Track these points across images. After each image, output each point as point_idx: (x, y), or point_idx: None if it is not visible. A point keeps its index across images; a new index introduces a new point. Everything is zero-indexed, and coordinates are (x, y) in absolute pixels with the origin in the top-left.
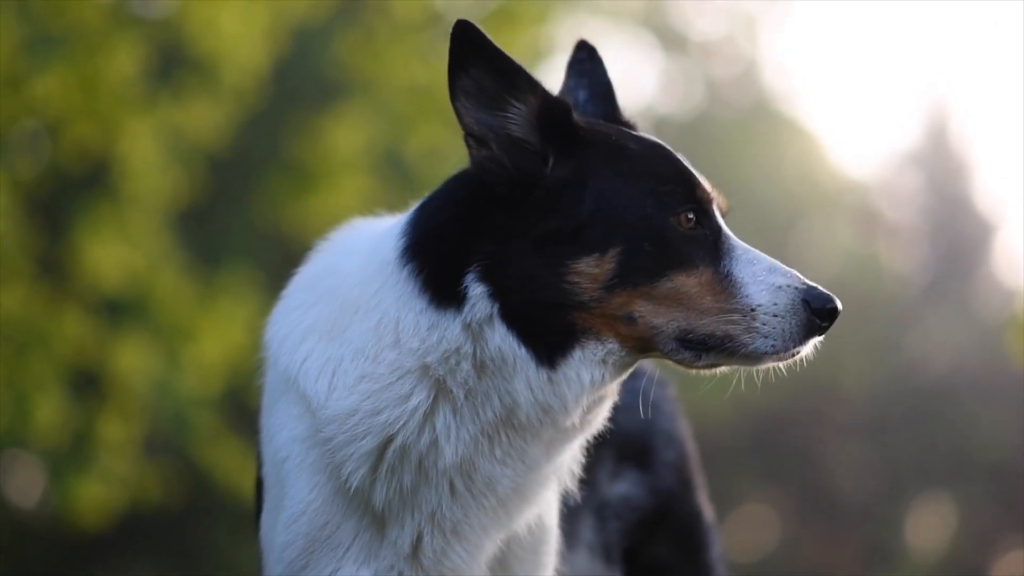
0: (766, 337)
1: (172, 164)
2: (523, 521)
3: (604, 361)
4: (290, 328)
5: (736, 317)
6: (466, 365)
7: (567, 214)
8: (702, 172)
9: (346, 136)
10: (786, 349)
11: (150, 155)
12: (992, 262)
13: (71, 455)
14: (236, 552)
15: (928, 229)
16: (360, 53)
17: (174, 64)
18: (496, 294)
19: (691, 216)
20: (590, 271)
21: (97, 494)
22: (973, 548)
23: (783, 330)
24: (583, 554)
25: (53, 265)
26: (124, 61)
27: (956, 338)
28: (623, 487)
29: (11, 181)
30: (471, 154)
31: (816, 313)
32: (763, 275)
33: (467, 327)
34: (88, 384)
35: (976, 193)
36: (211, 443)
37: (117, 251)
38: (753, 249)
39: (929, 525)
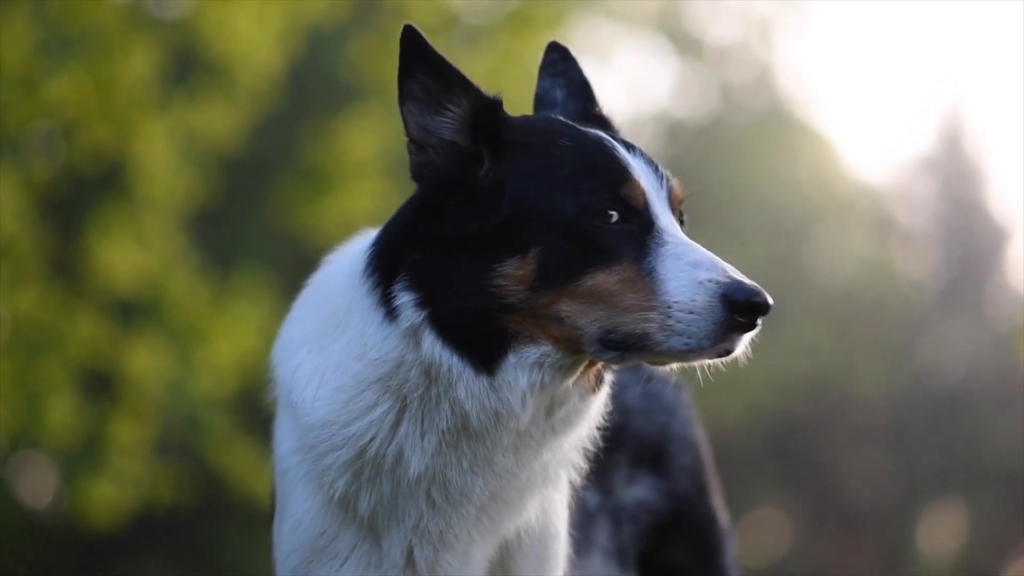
0: (680, 335)
1: (186, 166)
2: (513, 527)
3: (540, 364)
4: (289, 338)
5: (653, 315)
6: (415, 374)
7: (489, 216)
8: (714, 176)
9: (361, 139)
10: (702, 348)
11: (164, 157)
12: (1006, 268)
13: (84, 456)
14: (249, 553)
15: (942, 235)
16: (375, 56)
17: (189, 66)
18: (424, 302)
19: (613, 212)
20: (515, 273)
21: (109, 495)
22: (986, 554)
23: (699, 327)
24: (597, 558)
25: (67, 266)
26: (139, 63)
27: (970, 344)
28: (638, 491)
29: (26, 182)
30: (410, 160)
31: (734, 308)
32: (685, 270)
33: (406, 337)
34: (101, 385)
35: (990, 199)
36: (224, 445)
37: (131, 253)
38: (688, 243)
39: (942, 531)
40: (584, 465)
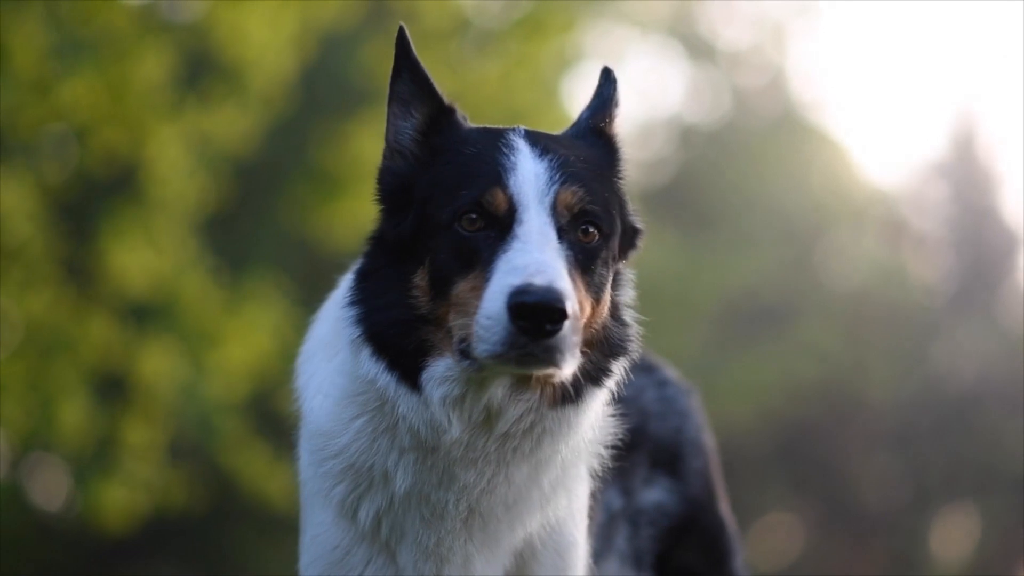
0: (483, 342)
1: (199, 169)
2: (517, 539)
3: (447, 378)
4: (308, 346)
5: (472, 321)
6: (378, 391)
7: (405, 225)
8: (727, 180)
9: (372, 143)
10: (499, 354)
11: (177, 160)
12: (1018, 273)
13: (96, 459)
14: (260, 556)
15: (954, 240)
16: (387, 60)
17: (201, 70)
18: (362, 317)
19: (474, 217)
20: (421, 283)
21: (122, 498)
22: (998, 558)
23: (494, 333)
24: (614, 562)
25: (79, 270)
26: (152, 67)
27: (982, 348)
28: (656, 494)
29: (38, 185)
30: (380, 164)
31: (512, 313)
32: (502, 276)
33: (355, 353)
34: (113, 388)
35: (1003, 204)
36: (236, 448)
37: (143, 256)
38: (527, 248)
39: (954, 535)
40: (602, 469)
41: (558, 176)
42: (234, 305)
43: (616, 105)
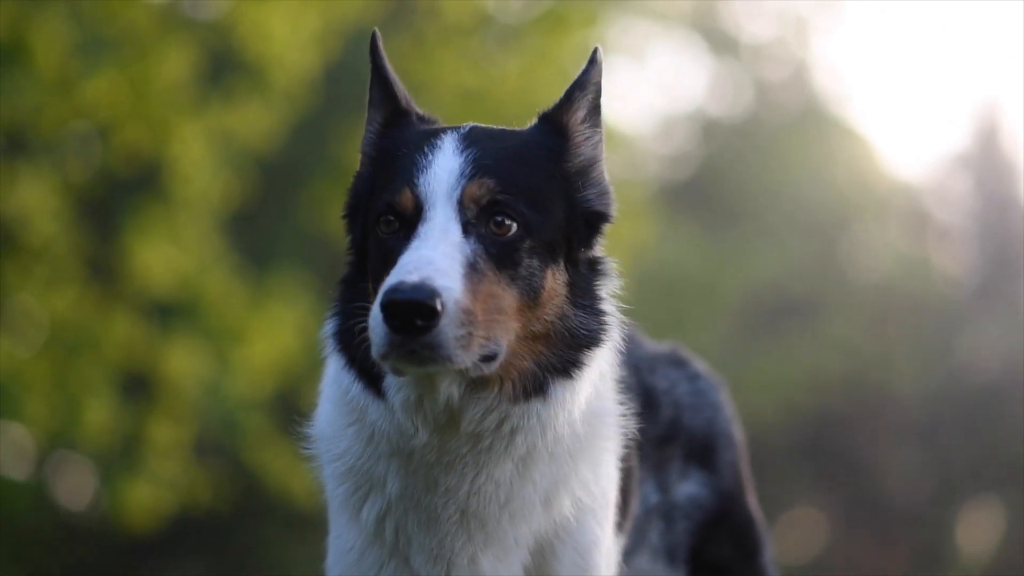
0: (372, 345)
1: (222, 167)
2: (525, 541)
3: (402, 383)
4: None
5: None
6: (351, 398)
7: (355, 233)
8: (750, 174)
9: None
10: (383, 355)
11: (200, 158)
12: None
13: (121, 457)
14: (286, 554)
15: (978, 232)
16: (410, 57)
17: (224, 67)
18: (336, 328)
19: (391, 219)
20: (370, 287)
21: (147, 496)
22: None
23: (376, 334)
24: (646, 556)
25: (104, 268)
26: (174, 64)
27: (1006, 341)
28: (690, 487)
29: (62, 184)
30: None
31: (383, 311)
32: (390, 277)
33: (336, 363)
34: (138, 387)
35: None
36: (261, 446)
37: (167, 254)
38: (418, 246)
39: (980, 528)
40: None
41: (469, 170)
42: (258, 302)
43: (582, 88)
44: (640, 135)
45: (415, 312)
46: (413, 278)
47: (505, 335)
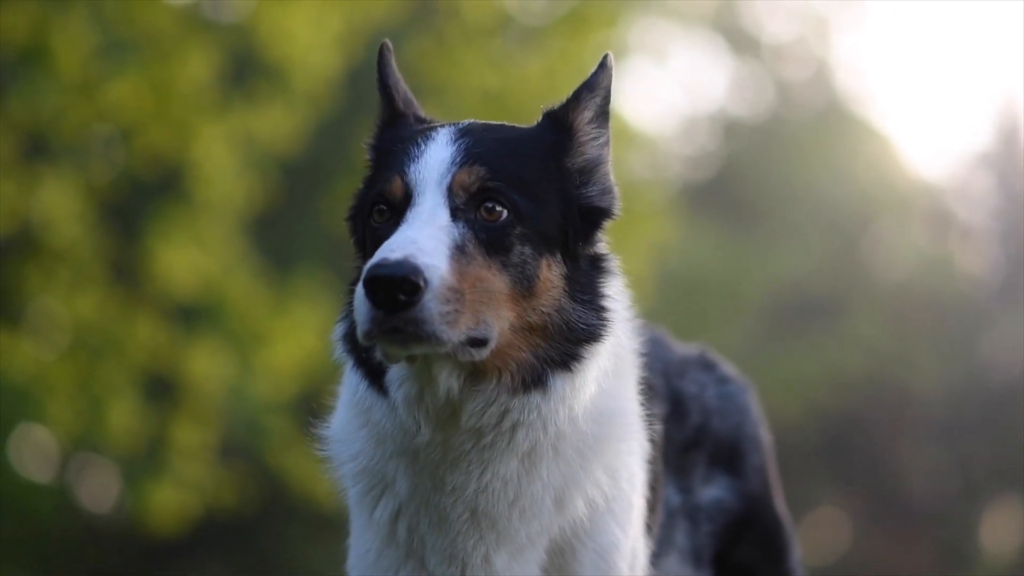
0: (358, 322)
1: (245, 169)
2: (538, 540)
3: (402, 378)
4: (340, 346)
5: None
6: (359, 399)
7: (357, 232)
8: (772, 173)
9: None
10: (369, 333)
11: (223, 160)
12: None
13: (145, 460)
14: (309, 555)
15: (1000, 231)
16: (432, 58)
17: (247, 69)
18: (346, 331)
19: (383, 208)
20: None
21: (171, 498)
22: None
23: (361, 314)
24: (674, 558)
25: (127, 271)
26: (197, 67)
27: None
28: (714, 491)
29: (85, 186)
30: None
31: (365, 287)
32: (373, 258)
33: (346, 366)
34: (162, 389)
35: None
36: (284, 448)
37: (190, 256)
38: (407, 225)
39: (1003, 527)
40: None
41: (460, 159)
42: (281, 304)
43: (591, 90)
44: (662, 135)
45: (397, 287)
46: (396, 255)
47: (497, 320)
